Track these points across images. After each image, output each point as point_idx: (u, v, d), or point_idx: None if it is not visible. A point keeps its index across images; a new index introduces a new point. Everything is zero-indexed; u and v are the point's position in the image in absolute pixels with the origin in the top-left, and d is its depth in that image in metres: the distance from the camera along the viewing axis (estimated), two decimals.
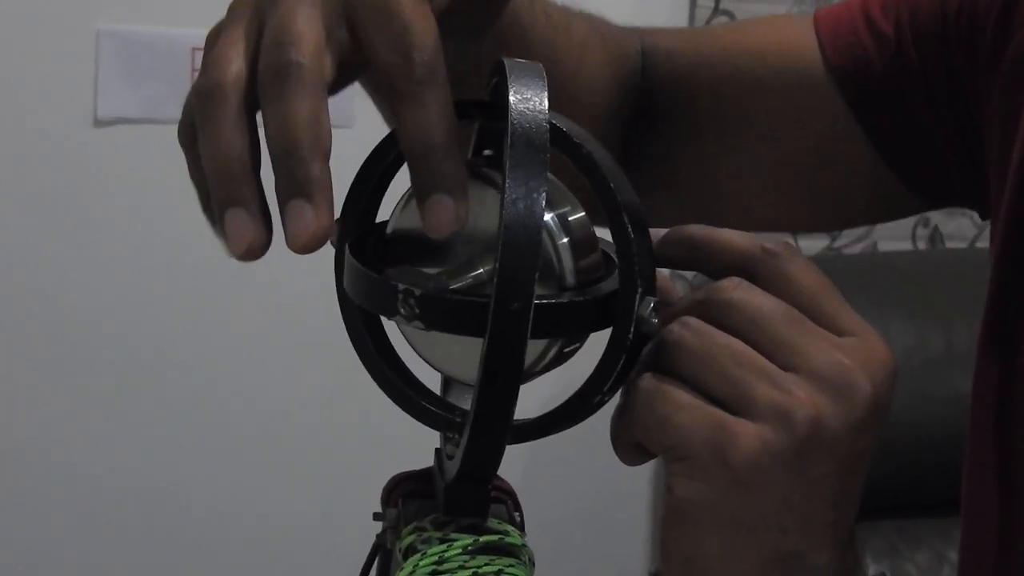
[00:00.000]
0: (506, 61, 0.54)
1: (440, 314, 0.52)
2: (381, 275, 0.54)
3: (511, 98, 0.52)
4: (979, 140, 0.79)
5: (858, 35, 0.83)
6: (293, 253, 0.50)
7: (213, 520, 2.07)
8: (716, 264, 0.58)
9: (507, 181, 0.50)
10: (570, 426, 0.56)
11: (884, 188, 0.84)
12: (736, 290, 0.56)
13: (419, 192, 0.51)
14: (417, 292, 0.52)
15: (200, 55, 0.55)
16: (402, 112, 0.51)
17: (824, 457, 0.54)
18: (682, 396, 0.55)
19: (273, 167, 0.50)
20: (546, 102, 0.52)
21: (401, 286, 0.52)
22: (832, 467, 0.55)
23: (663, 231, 0.60)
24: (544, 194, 0.50)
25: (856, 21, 0.84)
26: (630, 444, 0.57)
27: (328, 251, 0.55)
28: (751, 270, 0.57)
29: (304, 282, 1.95)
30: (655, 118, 0.87)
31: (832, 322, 0.56)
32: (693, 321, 0.56)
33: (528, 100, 0.52)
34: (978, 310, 0.85)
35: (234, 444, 2.06)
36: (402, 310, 0.52)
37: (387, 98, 0.52)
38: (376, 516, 0.59)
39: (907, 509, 2.01)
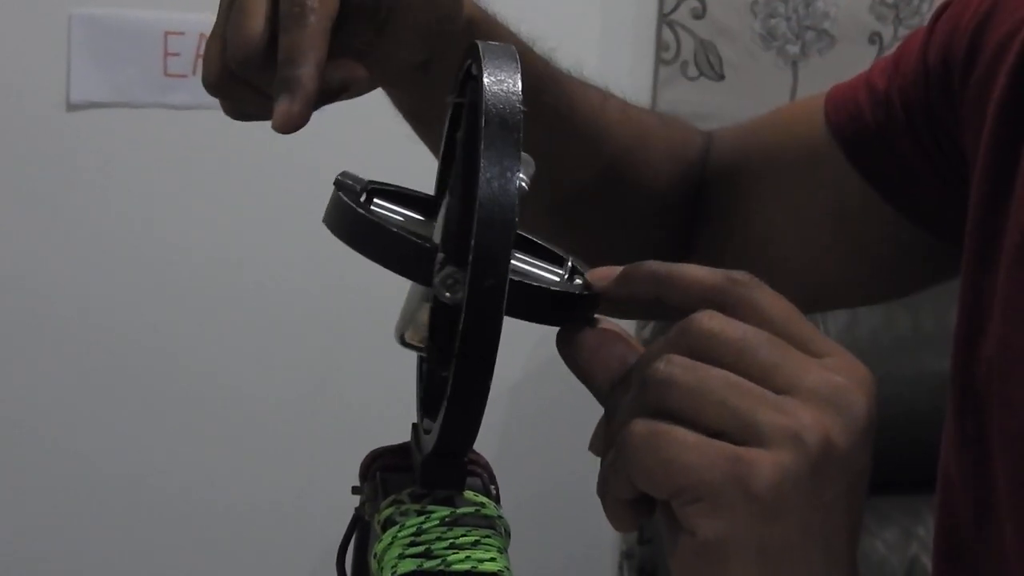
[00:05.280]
0: (479, 44, 0.54)
1: (329, 214, 0.57)
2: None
3: (485, 79, 0.52)
4: (968, 176, 0.81)
5: (855, 93, 0.88)
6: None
7: (193, 499, 2.07)
8: (682, 298, 0.57)
9: (481, 161, 0.51)
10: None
11: (912, 245, 0.87)
12: (713, 320, 0.54)
13: (274, 93, 0.62)
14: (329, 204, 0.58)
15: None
16: (283, 31, 0.63)
17: (837, 476, 0.53)
18: (686, 435, 0.52)
19: (276, 72, 0.63)
20: (520, 83, 0.53)
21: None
22: (843, 487, 0.54)
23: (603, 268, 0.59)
24: (519, 173, 0.51)
25: (858, 86, 0.89)
26: (622, 500, 0.55)
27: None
28: (719, 301, 0.55)
29: (284, 266, 1.96)
30: (712, 207, 0.94)
31: (808, 346, 0.55)
32: (678, 358, 0.53)
33: (502, 82, 0.52)
34: (945, 290, 0.87)
35: (212, 425, 2.06)
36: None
37: (279, 21, 0.64)
38: (355, 490, 0.60)
39: (874, 486, 2.01)
